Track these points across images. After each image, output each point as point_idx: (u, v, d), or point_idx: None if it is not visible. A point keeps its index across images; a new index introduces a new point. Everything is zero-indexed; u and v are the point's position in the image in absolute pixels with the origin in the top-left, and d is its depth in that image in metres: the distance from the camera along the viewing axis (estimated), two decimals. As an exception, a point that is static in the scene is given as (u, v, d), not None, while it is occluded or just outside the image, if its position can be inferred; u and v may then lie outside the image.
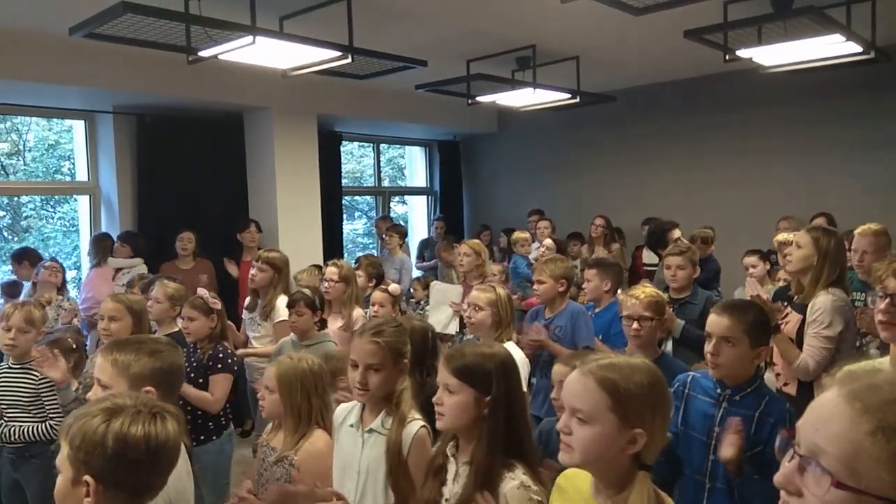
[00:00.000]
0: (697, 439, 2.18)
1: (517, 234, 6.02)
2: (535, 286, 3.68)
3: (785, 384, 3.19)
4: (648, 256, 6.16)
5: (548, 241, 5.55)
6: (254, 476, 2.38)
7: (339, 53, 3.93)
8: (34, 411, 3.05)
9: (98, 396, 1.86)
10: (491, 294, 3.26)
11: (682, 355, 3.22)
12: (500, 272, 5.22)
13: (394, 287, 4.24)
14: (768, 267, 4.37)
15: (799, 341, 2.94)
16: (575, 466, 1.41)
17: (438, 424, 1.81)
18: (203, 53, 3.75)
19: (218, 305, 3.36)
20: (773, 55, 4.48)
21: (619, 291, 3.90)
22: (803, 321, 2.93)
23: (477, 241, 4.93)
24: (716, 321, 2.19)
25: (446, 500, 1.77)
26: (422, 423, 2.05)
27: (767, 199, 6.45)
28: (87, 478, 1.31)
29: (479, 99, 5.61)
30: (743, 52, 4.28)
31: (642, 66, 6.35)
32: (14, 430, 3.01)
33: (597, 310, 3.80)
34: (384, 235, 6.75)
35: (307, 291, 3.67)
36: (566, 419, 1.37)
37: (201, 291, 3.44)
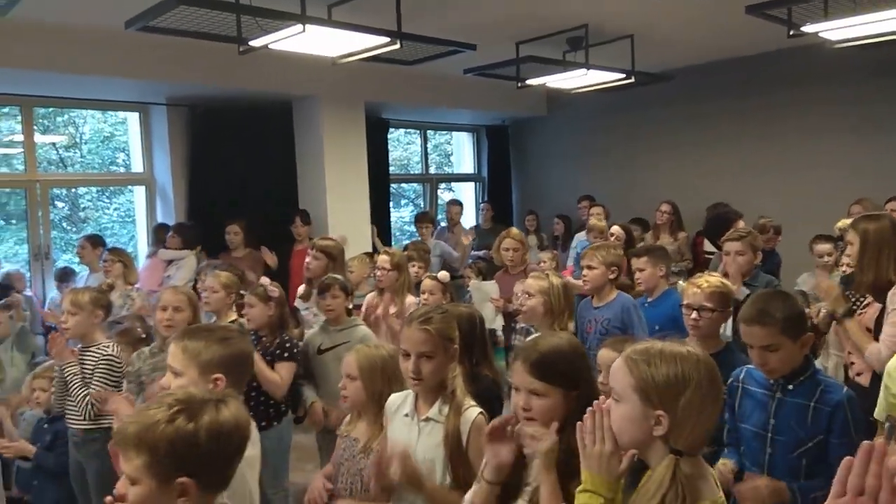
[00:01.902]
0: (753, 432, 2.15)
1: (594, 222, 5.84)
2: (584, 272, 3.57)
3: (858, 374, 3.03)
4: (710, 245, 5.93)
5: (615, 229, 5.35)
6: (333, 469, 2.36)
7: (388, 39, 3.92)
8: None
9: (166, 386, 1.89)
10: (543, 282, 3.22)
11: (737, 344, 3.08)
12: (549, 259, 5.13)
13: (443, 274, 4.19)
14: (839, 253, 4.16)
15: (877, 333, 2.78)
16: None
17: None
18: (254, 43, 3.80)
19: (276, 293, 3.37)
20: (841, 30, 4.26)
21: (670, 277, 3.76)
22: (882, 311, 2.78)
23: (517, 230, 4.89)
24: (750, 333, 2.10)
25: (527, 483, 1.73)
26: (479, 409, 2.03)
27: (833, 181, 6.15)
28: (183, 479, 1.30)
29: (529, 82, 5.49)
30: (808, 28, 4.10)
31: (701, 44, 6.11)
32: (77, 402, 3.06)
33: (650, 299, 3.67)
34: (420, 228, 6.67)
35: (338, 277, 3.63)
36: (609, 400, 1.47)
37: (264, 280, 3.47)
